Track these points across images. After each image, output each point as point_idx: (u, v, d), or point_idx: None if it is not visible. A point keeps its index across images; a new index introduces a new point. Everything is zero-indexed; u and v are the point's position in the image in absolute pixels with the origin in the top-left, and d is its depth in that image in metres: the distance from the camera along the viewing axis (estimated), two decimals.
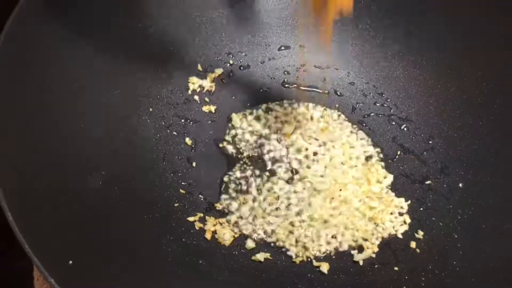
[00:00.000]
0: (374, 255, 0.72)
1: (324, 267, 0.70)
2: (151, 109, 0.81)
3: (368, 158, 0.82)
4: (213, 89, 0.87)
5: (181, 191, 0.76)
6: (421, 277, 0.68)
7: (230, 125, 0.85)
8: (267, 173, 0.80)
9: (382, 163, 0.82)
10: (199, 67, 0.87)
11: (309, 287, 0.68)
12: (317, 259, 0.72)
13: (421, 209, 0.77)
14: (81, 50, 0.73)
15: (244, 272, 0.69)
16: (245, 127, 0.84)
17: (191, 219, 0.73)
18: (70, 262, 0.56)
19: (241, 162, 0.81)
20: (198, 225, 0.73)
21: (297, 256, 0.72)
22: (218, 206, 0.76)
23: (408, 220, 0.76)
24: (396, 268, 0.70)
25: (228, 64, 0.89)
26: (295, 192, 0.77)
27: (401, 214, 0.77)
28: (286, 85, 0.90)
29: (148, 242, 0.68)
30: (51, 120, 0.67)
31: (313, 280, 0.69)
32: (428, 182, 0.79)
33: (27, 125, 0.64)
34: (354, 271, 0.71)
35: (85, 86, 0.73)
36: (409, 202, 0.78)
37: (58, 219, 0.59)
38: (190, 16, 0.87)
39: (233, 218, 0.75)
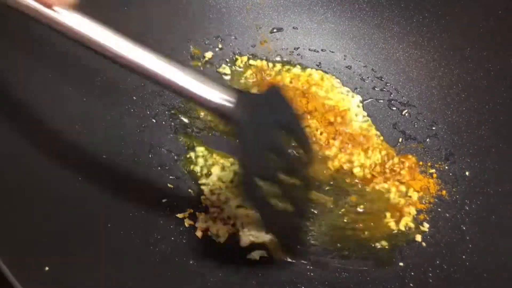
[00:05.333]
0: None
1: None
2: (134, 98, 0.75)
3: None
4: None
5: (169, 185, 0.71)
6: (428, 273, 0.65)
7: None
8: None
9: None
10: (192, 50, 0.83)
11: (309, 286, 0.64)
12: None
13: (426, 200, 0.72)
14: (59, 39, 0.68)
15: (238, 272, 0.65)
16: None
17: (180, 215, 0.68)
18: (46, 268, 0.51)
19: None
20: (188, 222, 0.68)
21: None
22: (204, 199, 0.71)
23: (413, 212, 0.71)
24: (401, 264, 0.66)
25: (217, 48, 0.84)
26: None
27: None
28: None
29: (134, 242, 0.63)
30: (26, 113, 0.62)
31: (313, 278, 0.65)
32: (432, 171, 0.75)
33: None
34: (357, 268, 0.66)
35: (60, 75, 0.67)
36: None
37: (32, 219, 0.54)
38: None
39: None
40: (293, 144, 0.61)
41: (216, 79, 0.53)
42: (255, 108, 0.55)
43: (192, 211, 0.69)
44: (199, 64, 0.82)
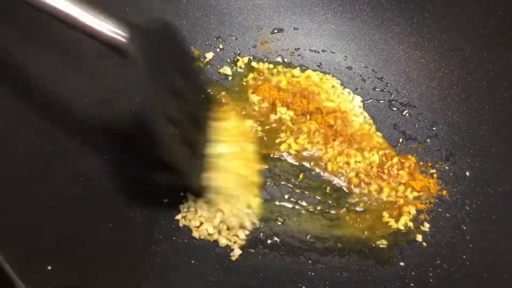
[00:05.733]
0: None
1: None
2: (136, 98, 0.75)
3: None
4: None
5: (172, 185, 0.71)
6: (429, 272, 0.65)
7: None
8: None
9: None
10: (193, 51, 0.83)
11: (310, 285, 0.64)
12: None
13: (427, 200, 0.73)
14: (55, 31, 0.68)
15: (239, 271, 0.65)
16: None
17: (178, 217, 0.68)
18: (49, 267, 0.51)
19: None
20: (182, 222, 0.68)
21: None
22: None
23: (413, 212, 0.71)
24: (401, 264, 0.66)
25: (218, 49, 0.84)
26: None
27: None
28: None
29: (135, 242, 0.63)
30: (27, 114, 0.62)
31: (314, 278, 0.65)
32: (432, 171, 0.75)
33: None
34: (357, 268, 0.66)
35: (58, 72, 0.67)
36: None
37: (35, 219, 0.54)
38: None
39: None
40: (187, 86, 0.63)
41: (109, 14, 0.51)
42: (150, 45, 0.55)
43: (186, 211, 0.69)
44: (201, 64, 0.82)
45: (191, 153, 0.62)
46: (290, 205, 0.71)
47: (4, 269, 0.46)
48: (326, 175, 0.75)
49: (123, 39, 0.52)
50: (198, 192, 0.67)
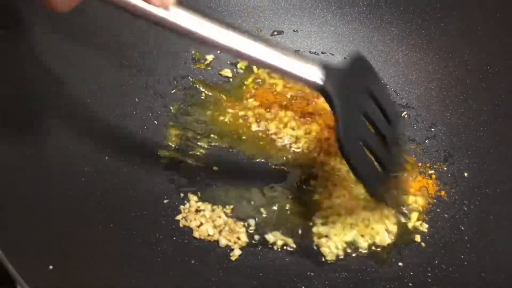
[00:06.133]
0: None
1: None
2: (136, 99, 0.76)
3: None
4: None
5: (171, 185, 0.72)
6: (427, 272, 0.65)
7: None
8: None
9: None
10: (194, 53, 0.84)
11: (309, 286, 0.64)
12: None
13: (425, 200, 0.73)
14: (61, 39, 0.69)
15: (239, 272, 0.65)
16: None
17: (179, 217, 0.69)
18: (51, 267, 0.51)
19: None
20: (183, 223, 0.68)
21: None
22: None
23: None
24: (400, 264, 0.67)
25: (219, 51, 0.84)
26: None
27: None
28: None
29: (135, 242, 0.64)
30: (29, 114, 0.63)
31: (313, 278, 0.65)
32: (431, 172, 0.75)
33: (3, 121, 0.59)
34: (356, 268, 0.67)
35: (64, 77, 0.68)
36: None
37: (36, 219, 0.55)
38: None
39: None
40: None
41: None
42: (344, 79, 0.61)
43: (187, 211, 0.70)
44: (202, 66, 0.83)
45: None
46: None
47: (7, 269, 0.46)
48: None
49: (321, 82, 0.60)
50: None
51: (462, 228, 0.69)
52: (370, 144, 0.63)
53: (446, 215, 0.71)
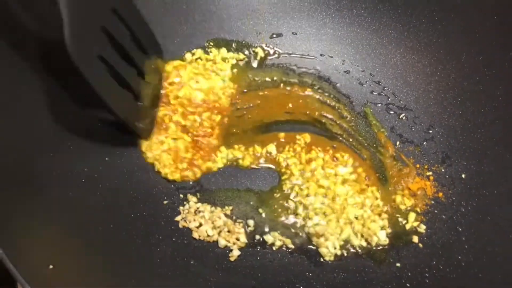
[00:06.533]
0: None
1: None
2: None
3: None
4: None
5: (171, 187, 0.73)
6: (425, 273, 0.66)
7: None
8: None
9: None
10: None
11: (308, 286, 0.64)
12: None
13: (423, 201, 0.73)
14: None
15: (238, 272, 0.66)
16: None
17: (178, 218, 0.69)
18: (51, 266, 0.52)
19: None
20: (182, 224, 0.69)
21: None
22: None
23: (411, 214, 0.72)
24: (398, 265, 0.67)
25: None
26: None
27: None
28: None
29: (135, 243, 0.64)
30: (30, 118, 0.63)
31: (311, 278, 0.66)
32: (429, 173, 0.76)
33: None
34: (354, 268, 0.67)
35: (67, 80, 0.68)
36: None
37: (37, 220, 0.55)
38: (177, 3, 0.83)
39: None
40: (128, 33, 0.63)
41: None
42: None
43: (186, 212, 0.71)
44: None
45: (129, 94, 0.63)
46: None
47: (8, 268, 0.47)
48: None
49: None
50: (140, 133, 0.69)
51: (460, 229, 0.69)
52: (116, 67, 0.60)
53: (443, 216, 0.71)
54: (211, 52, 0.84)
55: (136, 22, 0.64)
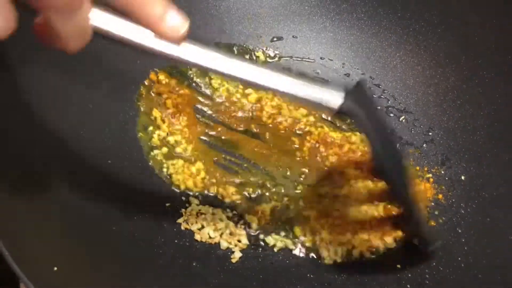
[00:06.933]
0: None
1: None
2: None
3: None
4: None
5: (174, 190, 0.73)
6: (425, 274, 0.66)
7: None
8: None
9: None
10: None
11: (308, 287, 0.65)
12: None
13: (423, 204, 0.74)
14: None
15: (239, 274, 0.66)
16: None
17: (180, 220, 0.70)
18: (55, 268, 0.52)
19: None
20: (184, 226, 0.69)
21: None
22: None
23: None
24: (398, 266, 0.68)
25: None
26: None
27: None
28: None
29: (138, 245, 0.64)
30: (33, 116, 0.64)
31: (312, 280, 0.66)
32: (428, 175, 0.76)
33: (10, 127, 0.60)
34: (354, 270, 0.68)
35: (68, 82, 0.69)
36: None
37: (40, 222, 0.56)
38: (178, 7, 0.83)
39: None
40: None
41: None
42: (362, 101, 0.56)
43: (188, 214, 0.71)
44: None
45: None
46: None
47: (14, 270, 0.47)
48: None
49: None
50: None
51: (459, 231, 0.70)
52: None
53: (443, 218, 0.72)
54: None
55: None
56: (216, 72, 0.51)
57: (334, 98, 0.54)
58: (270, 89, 0.52)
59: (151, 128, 0.76)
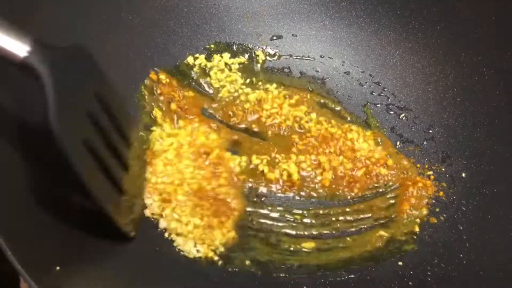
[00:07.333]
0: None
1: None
2: (135, 101, 0.77)
3: None
4: None
5: None
6: (427, 271, 0.66)
7: None
8: None
9: None
10: None
11: (312, 285, 0.65)
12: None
13: (424, 201, 0.74)
14: None
15: (241, 274, 0.66)
16: None
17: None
18: (58, 268, 0.52)
19: None
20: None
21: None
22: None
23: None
24: (400, 263, 0.68)
25: None
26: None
27: None
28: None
29: (141, 244, 0.64)
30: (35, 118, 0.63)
31: (316, 278, 0.66)
32: (429, 173, 0.77)
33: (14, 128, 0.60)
34: (357, 267, 0.68)
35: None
36: None
37: (43, 222, 0.56)
38: (178, 6, 0.83)
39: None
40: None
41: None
42: (64, 63, 0.53)
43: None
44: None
45: (112, 186, 0.59)
46: None
47: (18, 270, 0.47)
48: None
49: (22, 53, 0.49)
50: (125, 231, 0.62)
51: (461, 228, 0.70)
52: (101, 157, 0.57)
53: (444, 215, 0.72)
54: (214, 59, 0.84)
55: (116, 106, 0.60)
56: None
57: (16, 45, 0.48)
58: None
59: (152, 127, 0.76)
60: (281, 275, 0.66)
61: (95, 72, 0.59)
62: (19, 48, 0.49)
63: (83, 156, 0.54)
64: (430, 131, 0.80)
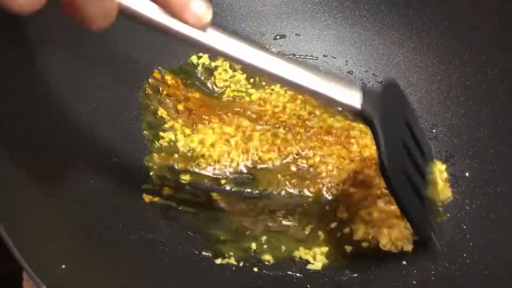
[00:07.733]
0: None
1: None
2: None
3: None
4: None
5: None
6: (430, 270, 0.66)
7: None
8: None
9: None
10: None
11: (316, 285, 0.65)
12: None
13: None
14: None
15: (244, 272, 0.66)
16: None
17: None
18: (63, 266, 0.52)
19: None
20: None
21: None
22: None
23: None
24: (404, 262, 0.68)
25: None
26: None
27: None
28: None
29: (145, 242, 0.65)
30: (40, 113, 0.64)
31: (320, 278, 0.67)
32: None
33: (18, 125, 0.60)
34: (360, 266, 0.68)
35: (76, 82, 0.69)
36: None
37: (49, 220, 0.56)
38: None
39: None
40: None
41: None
42: (382, 103, 0.57)
43: None
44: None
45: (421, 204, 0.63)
46: None
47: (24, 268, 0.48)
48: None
49: (359, 105, 0.55)
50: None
51: (464, 227, 0.70)
52: (413, 179, 0.60)
53: (448, 215, 0.72)
54: (218, 58, 0.84)
55: (419, 129, 0.65)
56: (240, 63, 0.50)
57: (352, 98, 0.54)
58: (293, 84, 0.52)
59: (156, 127, 0.76)
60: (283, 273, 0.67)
61: (405, 102, 0.65)
62: (355, 98, 0.55)
63: (405, 186, 0.59)
64: (434, 131, 0.80)
